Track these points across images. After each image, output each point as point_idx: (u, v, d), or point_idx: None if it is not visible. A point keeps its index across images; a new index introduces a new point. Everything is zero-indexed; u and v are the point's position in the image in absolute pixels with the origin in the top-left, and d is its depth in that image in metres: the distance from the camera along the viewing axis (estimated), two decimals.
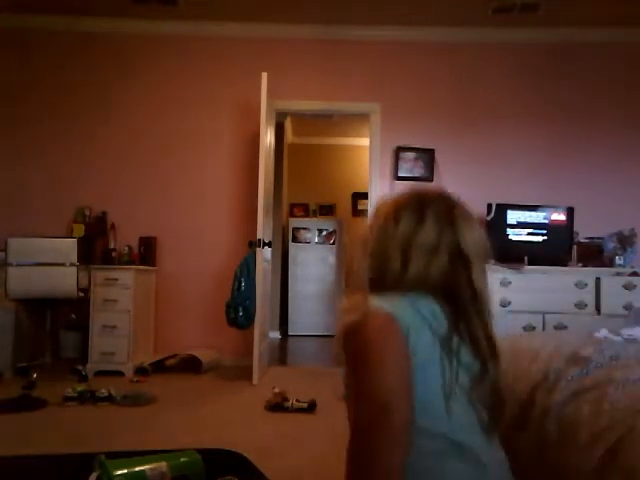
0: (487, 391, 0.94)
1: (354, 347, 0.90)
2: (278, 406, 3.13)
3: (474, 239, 1.00)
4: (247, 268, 4.04)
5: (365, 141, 5.77)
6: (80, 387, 3.27)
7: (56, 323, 4.19)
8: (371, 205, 4.74)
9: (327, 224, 7.11)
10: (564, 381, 1.25)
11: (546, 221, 4.36)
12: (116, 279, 4.03)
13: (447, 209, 1.02)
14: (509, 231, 4.34)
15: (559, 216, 4.38)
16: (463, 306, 0.95)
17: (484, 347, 0.94)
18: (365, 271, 1.02)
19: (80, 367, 3.82)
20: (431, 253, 0.97)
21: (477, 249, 0.99)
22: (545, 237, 4.35)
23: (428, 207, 1.02)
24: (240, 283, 4.01)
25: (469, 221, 1.02)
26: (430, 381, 0.89)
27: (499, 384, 0.97)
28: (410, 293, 0.94)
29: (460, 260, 0.97)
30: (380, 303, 0.90)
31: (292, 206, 7.69)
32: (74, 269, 3.74)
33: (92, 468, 1.27)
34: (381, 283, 0.98)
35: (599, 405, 1.08)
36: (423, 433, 0.87)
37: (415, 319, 0.90)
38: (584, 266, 4.27)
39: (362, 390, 0.87)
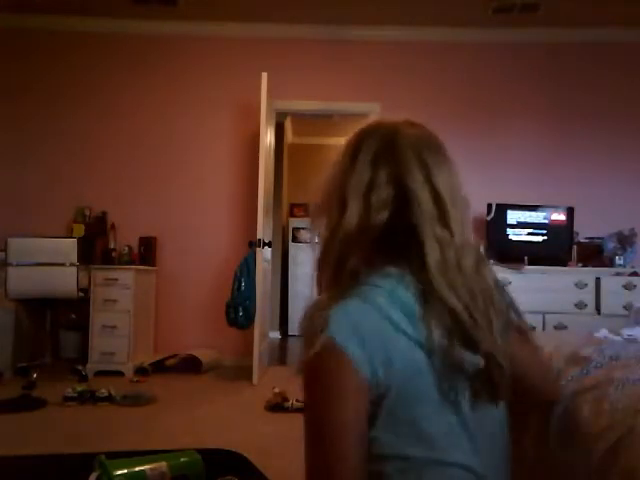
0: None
1: (304, 392, 0.72)
2: (278, 406, 3.13)
3: (429, 175, 0.78)
4: (247, 268, 4.04)
5: None
6: (80, 387, 3.27)
7: (56, 323, 4.19)
8: None
9: None
10: (564, 381, 1.25)
11: (546, 221, 4.36)
12: (116, 279, 4.03)
13: (388, 140, 0.82)
14: (509, 231, 4.35)
15: (559, 216, 4.38)
16: (409, 261, 0.75)
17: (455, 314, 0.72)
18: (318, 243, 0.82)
19: (80, 367, 3.82)
20: (367, 193, 0.77)
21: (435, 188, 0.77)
22: (545, 237, 4.35)
23: (364, 140, 0.84)
24: (240, 283, 4.01)
25: (420, 153, 0.81)
26: (418, 398, 0.72)
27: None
28: (373, 286, 0.74)
29: (405, 200, 0.76)
30: (336, 330, 0.69)
31: (292, 206, 7.67)
32: (74, 269, 3.74)
33: (92, 468, 1.27)
34: (328, 245, 0.79)
35: (599, 405, 1.08)
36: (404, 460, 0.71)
37: (385, 334, 0.70)
38: (584, 266, 4.27)
39: (308, 456, 0.71)
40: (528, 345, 0.87)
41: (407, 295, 0.74)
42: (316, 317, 0.71)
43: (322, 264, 0.80)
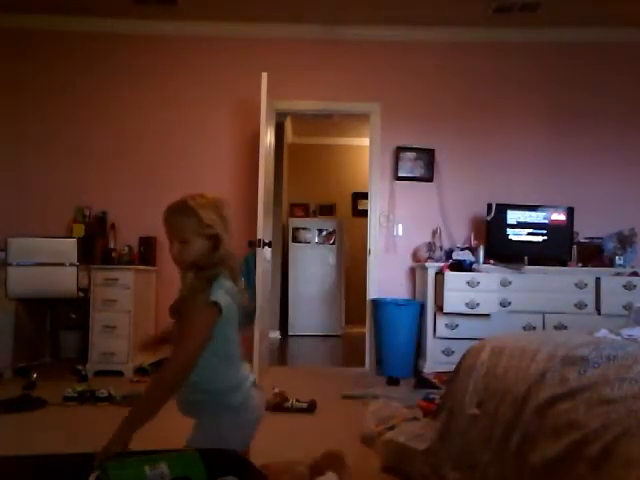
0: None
1: (193, 321, 1.45)
2: (278, 406, 3.13)
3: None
4: (247, 268, 4.04)
5: (365, 141, 5.77)
6: (80, 387, 3.27)
7: (56, 323, 4.19)
8: (371, 205, 4.74)
9: (327, 224, 7.11)
10: (561, 380, 1.25)
11: (546, 221, 4.37)
12: (116, 279, 4.03)
13: (223, 212, 1.55)
14: (509, 231, 4.35)
15: (559, 216, 4.38)
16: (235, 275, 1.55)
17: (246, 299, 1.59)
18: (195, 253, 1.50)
19: (80, 367, 3.83)
20: (228, 243, 1.51)
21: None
22: (545, 237, 4.36)
23: (225, 212, 1.55)
24: None
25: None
26: (233, 338, 1.58)
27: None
28: (223, 277, 1.47)
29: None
30: (216, 296, 1.41)
31: (292, 206, 7.68)
32: (74, 269, 3.75)
33: (92, 468, 1.27)
34: (205, 258, 1.49)
35: (595, 404, 1.08)
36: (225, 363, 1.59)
37: (229, 302, 1.45)
38: (584, 266, 4.27)
39: (184, 348, 1.48)
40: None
41: (230, 281, 1.51)
42: (202, 290, 1.45)
43: (190, 264, 1.53)
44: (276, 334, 6.33)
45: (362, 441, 2.55)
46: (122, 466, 1.27)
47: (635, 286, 4.02)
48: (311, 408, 3.11)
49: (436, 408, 2.18)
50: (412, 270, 4.66)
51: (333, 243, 7.05)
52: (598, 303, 4.07)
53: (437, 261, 4.31)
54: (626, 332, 1.74)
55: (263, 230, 4.04)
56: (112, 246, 4.45)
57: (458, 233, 4.63)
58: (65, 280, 3.73)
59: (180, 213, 1.57)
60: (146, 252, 4.48)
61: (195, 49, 4.75)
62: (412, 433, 2.16)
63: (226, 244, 1.51)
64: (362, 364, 4.61)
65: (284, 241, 6.99)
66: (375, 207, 4.71)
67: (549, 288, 4.08)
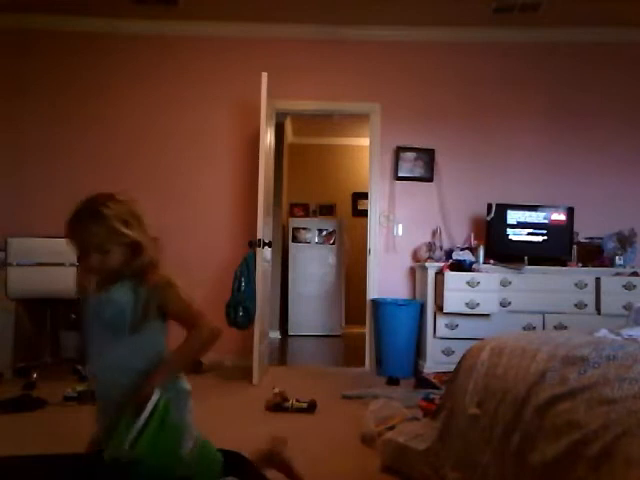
0: None
1: (180, 298, 1.55)
2: (278, 406, 3.13)
3: None
4: (247, 268, 4.04)
5: (365, 141, 5.77)
6: (80, 387, 3.27)
7: (56, 323, 4.19)
8: (371, 205, 4.73)
9: (327, 224, 7.11)
10: (561, 380, 1.25)
11: (546, 221, 4.37)
12: None
13: (138, 212, 1.55)
14: (509, 231, 4.35)
15: (559, 216, 4.38)
16: None
17: None
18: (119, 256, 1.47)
19: (80, 367, 3.82)
20: (148, 242, 1.49)
21: None
22: (545, 237, 4.36)
23: (137, 210, 1.52)
24: (240, 283, 4.01)
25: None
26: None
27: None
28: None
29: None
30: (170, 275, 1.49)
31: (292, 206, 7.69)
32: (74, 269, 3.74)
33: (96, 465, 1.29)
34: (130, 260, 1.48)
35: (595, 404, 1.08)
36: None
37: None
38: (584, 266, 4.27)
39: (201, 321, 1.60)
40: None
41: None
42: (162, 275, 1.50)
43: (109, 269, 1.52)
44: (276, 334, 6.33)
45: (362, 441, 2.55)
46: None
47: (635, 286, 4.02)
48: (311, 408, 3.11)
49: (436, 408, 2.18)
50: (412, 270, 4.66)
51: (333, 243, 7.05)
52: (598, 303, 4.07)
53: (437, 261, 4.31)
54: (626, 332, 1.74)
55: (263, 230, 4.04)
56: None
57: (458, 233, 4.63)
58: (65, 280, 3.73)
59: (91, 222, 1.40)
60: None
61: (195, 49, 4.75)
62: (412, 433, 2.16)
63: (147, 246, 1.46)
64: (362, 364, 4.61)
65: (284, 241, 6.99)
66: (375, 207, 4.71)
67: (549, 288, 4.08)
